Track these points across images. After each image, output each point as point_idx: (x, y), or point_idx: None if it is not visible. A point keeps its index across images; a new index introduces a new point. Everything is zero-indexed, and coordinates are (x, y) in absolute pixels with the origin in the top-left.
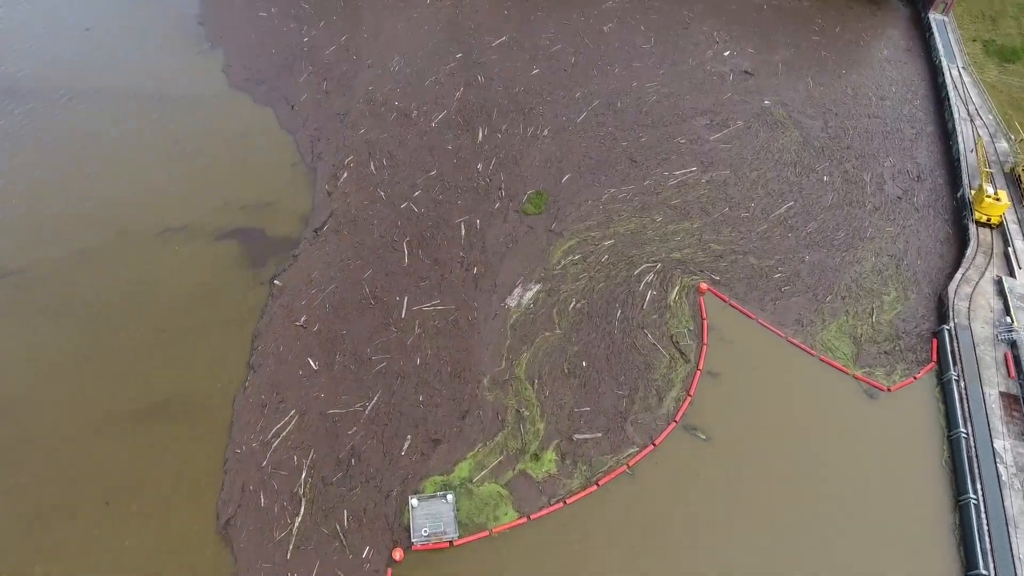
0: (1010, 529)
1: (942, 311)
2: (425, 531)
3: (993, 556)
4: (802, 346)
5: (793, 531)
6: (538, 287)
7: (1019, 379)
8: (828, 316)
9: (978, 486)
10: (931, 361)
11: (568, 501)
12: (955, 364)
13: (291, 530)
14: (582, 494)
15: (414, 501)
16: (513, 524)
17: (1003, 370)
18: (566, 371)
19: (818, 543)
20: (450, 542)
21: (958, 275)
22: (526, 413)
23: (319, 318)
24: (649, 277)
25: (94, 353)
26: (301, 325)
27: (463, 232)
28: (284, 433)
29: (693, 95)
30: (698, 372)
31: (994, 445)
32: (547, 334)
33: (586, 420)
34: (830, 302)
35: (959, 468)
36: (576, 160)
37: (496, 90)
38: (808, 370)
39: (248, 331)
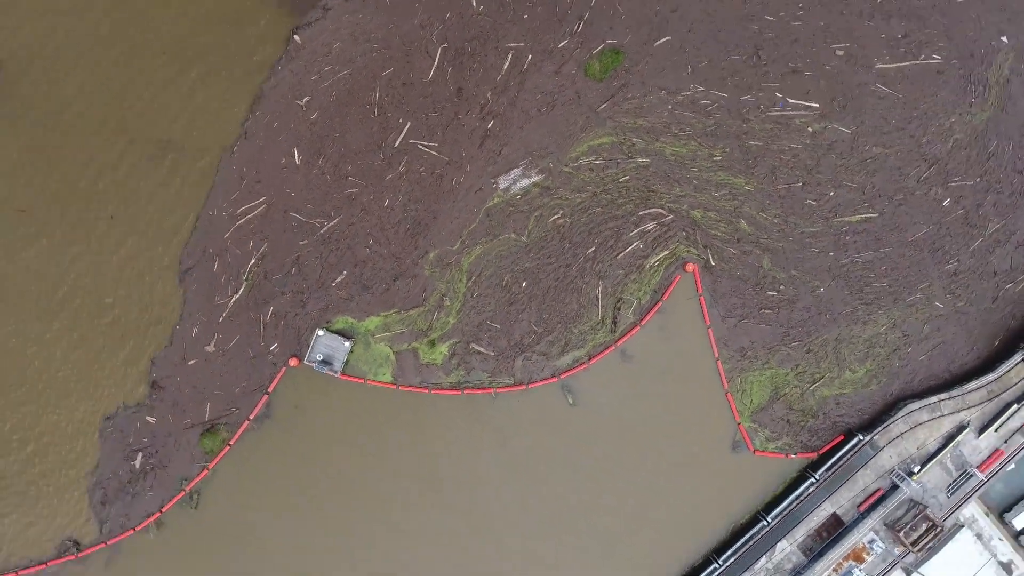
0: None
1: (878, 419)
2: (319, 357)
3: None
4: (723, 373)
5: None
6: (538, 179)
7: (863, 513)
8: (776, 361)
9: (737, 555)
10: (815, 452)
11: (433, 391)
12: (830, 469)
13: (228, 302)
14: (446, 391)
15: (320, 332)
16: (384, 384)
17: (859, 499)
18: (504, 283)
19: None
20: (332, 375)
21: (933, 399)
22: (447, 303)
23: (321, 105)
24: (649, 226)
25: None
26: (302, 105)
27: (506, 65)
28: (251, 215)
29: None
30: (612, 347)
31: (777, 544)
32: (513, 236)
33: (491, 336)
34: (793, 348)
35: (738, 544)
36: (693, 17)
37: None
38: (706, 397)
39: (254, 85)
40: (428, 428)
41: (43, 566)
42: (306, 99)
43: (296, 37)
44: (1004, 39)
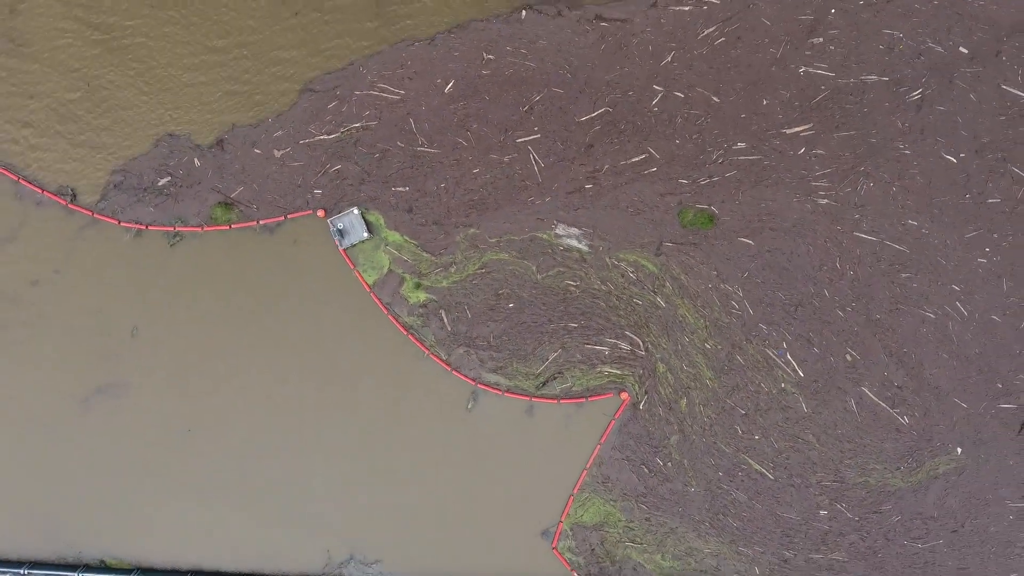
0: None
1: None
2: (340, 226)
3: None
4: (581, 481)
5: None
6: (585, 248)
7: None
8: (621, 506)
9: None
10: None
11: (390, 316)
12: None
13: (316, 136)
14: (399, 327)
15: (355, 210)
16: (363, 282)
17: None
18: (499, 292)
19: None
20: (337, 244)
21: None
22: (452, 271)
23: (496, 70)
24: (624, 345)
25: None
26: (484, 59)
27: (635, 160)
28: (384, 95)
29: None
30: (528, 398)
31: None
32: (533, 268)
33: (459, 317)
34: (639, 508)
35: None
36: (779, 248)
37: None
38: (555, 486)
39: (473, 16)
40: (362, 335)
41: (40, 190)
42: (491, 57)
43: (524, 13)
44: (959, 450)
